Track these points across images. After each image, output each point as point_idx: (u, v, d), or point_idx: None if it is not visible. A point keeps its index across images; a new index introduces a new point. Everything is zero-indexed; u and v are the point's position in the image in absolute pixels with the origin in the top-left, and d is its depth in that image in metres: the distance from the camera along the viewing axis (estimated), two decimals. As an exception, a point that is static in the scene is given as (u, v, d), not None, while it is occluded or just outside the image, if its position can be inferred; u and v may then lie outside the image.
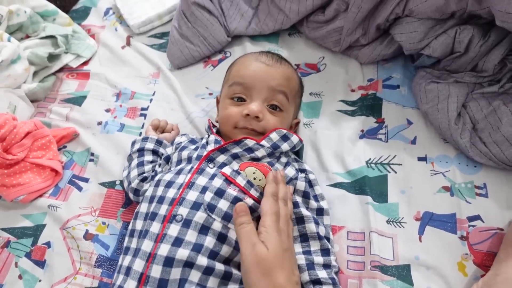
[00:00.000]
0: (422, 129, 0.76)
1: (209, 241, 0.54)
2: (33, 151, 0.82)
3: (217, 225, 0.56)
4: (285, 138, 0.67)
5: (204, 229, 0.55)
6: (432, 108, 0.73)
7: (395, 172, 0.72)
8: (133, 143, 0.78)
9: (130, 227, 0.63)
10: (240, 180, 0.60)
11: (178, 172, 0.63)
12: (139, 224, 0.60)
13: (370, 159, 0.74)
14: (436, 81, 0.74)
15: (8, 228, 0.77)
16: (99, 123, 0.90)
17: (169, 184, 0.61)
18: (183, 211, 0.56)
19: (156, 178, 0.64)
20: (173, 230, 0.55)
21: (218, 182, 0.59)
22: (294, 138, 0.68)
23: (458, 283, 0.60)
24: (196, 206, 0.56)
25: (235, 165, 0.63)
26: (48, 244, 0.74)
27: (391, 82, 0.83)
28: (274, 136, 0.66)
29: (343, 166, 0.74)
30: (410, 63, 0.85)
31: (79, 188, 0.81)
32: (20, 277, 0.71)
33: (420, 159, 0.73)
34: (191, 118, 0.87)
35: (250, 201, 0.58)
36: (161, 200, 0.59)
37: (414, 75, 0.82)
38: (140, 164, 0.74)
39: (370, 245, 0.64)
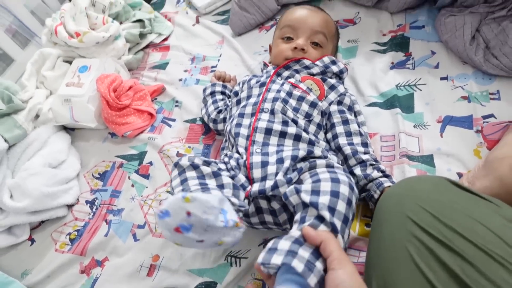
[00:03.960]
0: (444, 56, 0.90)
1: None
2: (135, 100, 1.09)
3: (290, 114, 0.75)
4: (333, 62, 0.86)
5: (283, 114, 0.75)
6: (451, 36, 0.87)
7: (420, 90, 0.87)
8: (204, 89, 1.00)
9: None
10: (302, 86, 0.80)
11: (255, 91, 0.83)
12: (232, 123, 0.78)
13: (399, 83, 0.90)
14: (453, 14, 0.88)
15: (121, 155, 1.04)
16: (180, 80, 1.15)
17: (250, 98, 0.81)
18: (267, 105, 0.76)
19: (235, 99, 0.85)
20: (264, 116, 0.75)
21: (287, 87, 0.79)
22: (340, 64, 0.86)
23: (474, 164, 0.74)
24: (275, 99, 0.76)
25: (298, 77, 0.83)
26: (150, 163, 0.99)
27: (417, 24, 0.99)
28: (326, 60, 0.85)
29: (377, 90, 0.91)
30: (434, 9, 0.99)
31: (169, 125, 1.06)
32: (132, 185, 0.97)
33: (442, 78, 0.87)
34: (251, 69, 1.09)
35: (311, 98, 0.78)
36: (248, 106, 0.79)
37: (437, 16, 0.96)
38: (214, 102, 0.96)
39: (399, 142, 0.80)
